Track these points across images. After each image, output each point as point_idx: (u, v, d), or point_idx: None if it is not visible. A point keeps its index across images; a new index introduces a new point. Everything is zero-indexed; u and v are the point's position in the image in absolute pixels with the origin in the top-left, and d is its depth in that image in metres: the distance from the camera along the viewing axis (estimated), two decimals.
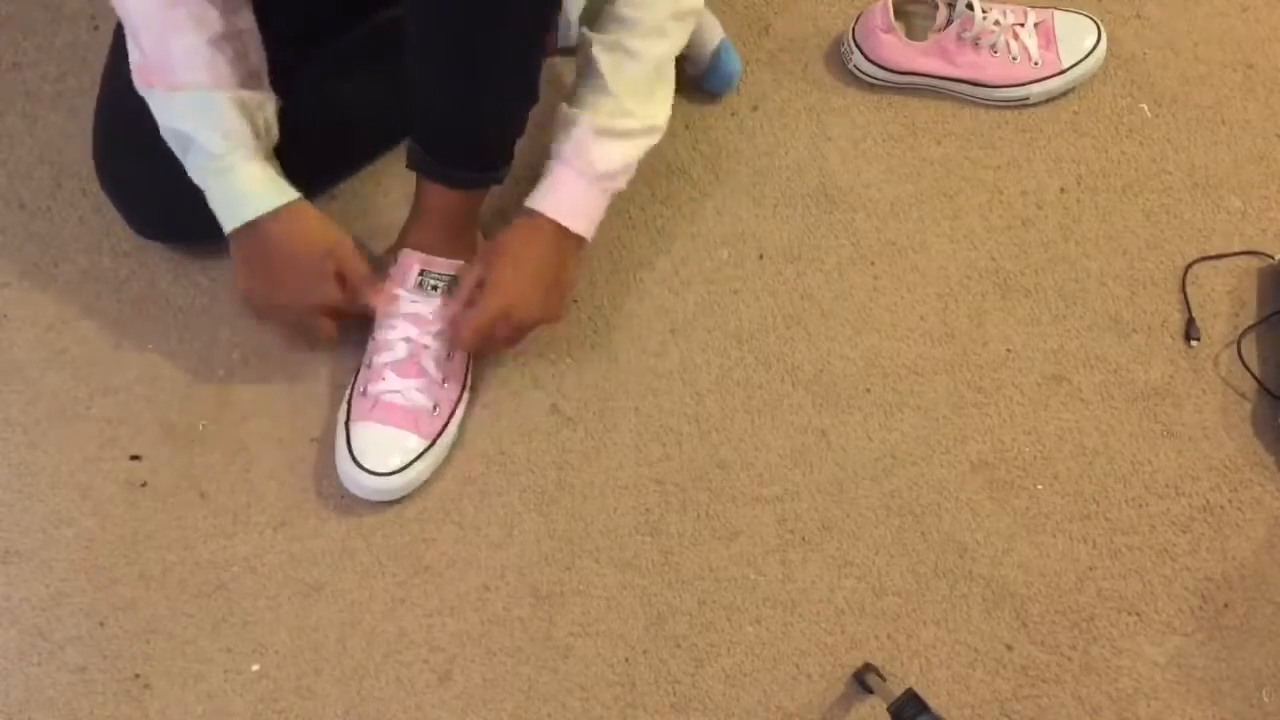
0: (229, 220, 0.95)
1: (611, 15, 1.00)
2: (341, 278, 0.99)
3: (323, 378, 1.09)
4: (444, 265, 1.03)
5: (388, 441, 1.02)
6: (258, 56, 0.98)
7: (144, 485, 1.05)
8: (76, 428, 1.06)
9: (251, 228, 0.95)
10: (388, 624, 1.01)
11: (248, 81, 0.96)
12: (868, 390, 1.12)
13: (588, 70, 1.00)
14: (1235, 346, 1.16)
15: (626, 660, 1.01)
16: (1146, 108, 1.28)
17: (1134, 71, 1.29)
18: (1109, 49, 1.27)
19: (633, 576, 1.04)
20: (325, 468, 1.05)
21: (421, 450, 1.03)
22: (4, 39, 1.22)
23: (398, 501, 1.05)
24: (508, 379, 1.11)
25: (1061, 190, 1.23)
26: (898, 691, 0.91)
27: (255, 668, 0.99)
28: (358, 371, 1.06)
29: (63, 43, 1.21)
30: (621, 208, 1.18)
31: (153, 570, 1.02)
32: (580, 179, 1.00)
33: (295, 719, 0.98)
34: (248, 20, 0.96)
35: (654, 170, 1.21)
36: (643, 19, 0.99)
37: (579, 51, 1.02)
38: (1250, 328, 1.17)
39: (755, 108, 1.25)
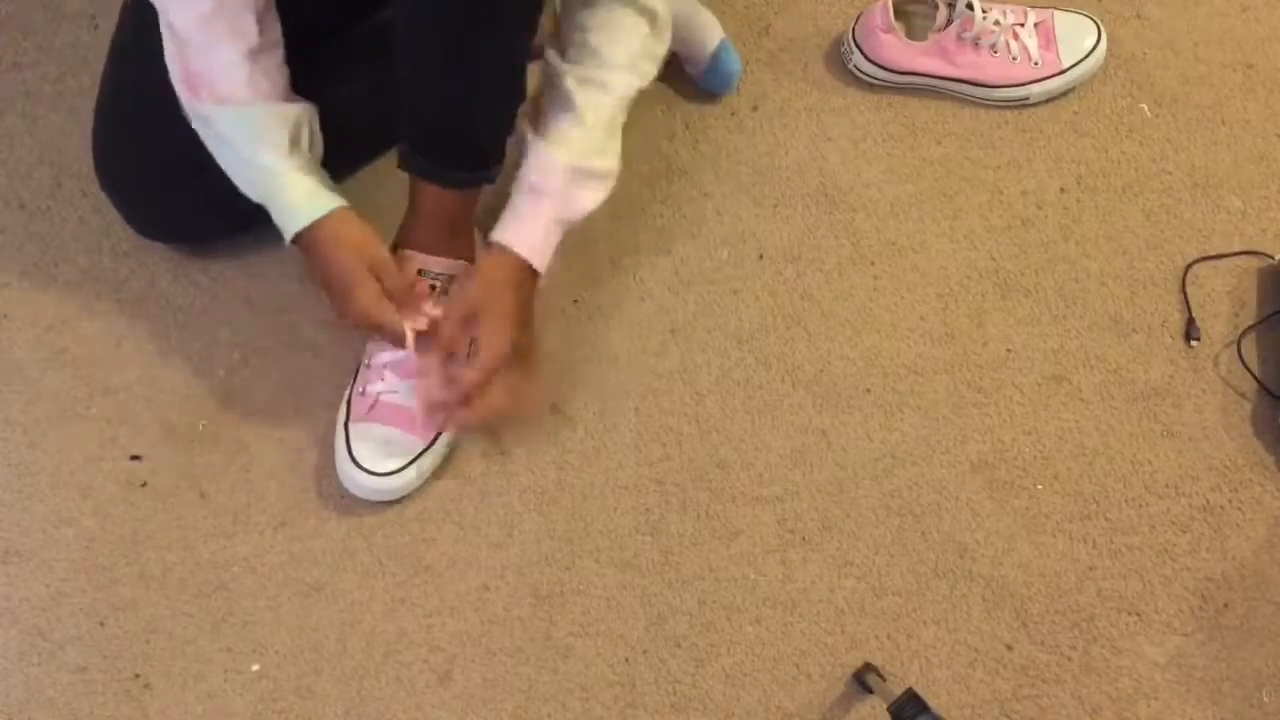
0: (285, 233, 0.95)
1: (582, 44, 0.98)
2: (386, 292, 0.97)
3: (323, 378, 1.09)
4: (441, 264, 1.03)
5: (387, 442, 1.02)
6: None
7: (144, 485, 1.05)
8: (76, 428, 1.06)
9: (301, 239, 0.95)
10: (388, 624, 1.01)
11: (286, 93, 0.96)
12: (868, 390, 1.12)
13: (560, 102, 0.98)
14: (1235, 346, 1.16)
15: (626, 660, 1.01)
16: (1146, 108, 1.28)
17: (1134, 71, 1.29)
18: (1109, 49, 1.27)
19: (633, 576, 1.04)
20: (325, 468, 1.05)
21: (421, 450, 1.03)
22: (4, 39, 1.22)
23: (398, 501, 1.05)
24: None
25: (1061, 190, 1.23)
26: (898, 691, 0.91)
27: (255, 668, 0.99)
28: (357, 371, 1.06)
29: (63, 43, 1.21)
30: (621, 208, 1.18)
31: (153, 570, 1.02)
32: (556, 223, 0.99)
33: (295, 719, 0.98)
34: (279, 30, 0.96)
35: (654, 170, 1.21)
36: (615, 53, 0.98)
37: (547, 79, 1.01)
38: (1250, 328, 1.17)
39: (755, 108, 1.25)
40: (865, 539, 1.07)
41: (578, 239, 1.16)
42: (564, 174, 0.97)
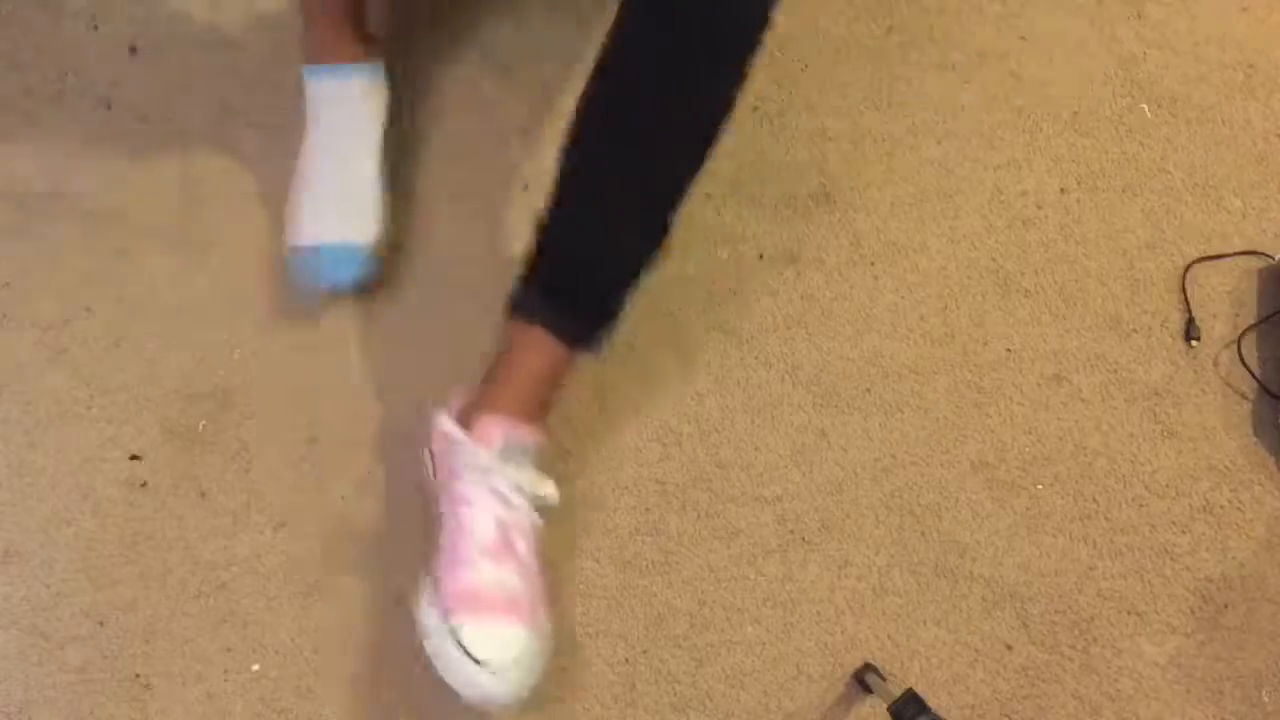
0: None
1: None
2: None
3: (322, 378, 1.09)
4: (530, 434, 0.93)
5: (507, 637, 0.88)
6: None
7: (144, 485, 1.05)
8: (76, 428, 1.06)
9: None
10: (388, 624, 1.01)
11: None
12: (868, 390, 1.12)
13: None
14: (1235, 346, 1.16)
15: (626, 660, 1.01)
16: (1146, 108, 1.28)
17: (1134, 71, 1.29)
18: (1109, 49, 1.27)
19: (633, 576, 1.04)
20: (326, 467, 1.05)
21: (532, 633, 0.90)
22: (4, 39, 1.22)
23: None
24: None
25: (1061, 190, 1.23)
26: (898, 691, 0.91)
27: (255, 668, 0.99)
28: (437, 556, 0.92)
29: (63, 43, 1.21)
30: None
31: (153, 570, 1.02)
32: None
33: (295, 719, 0.98)
34: None
35: None
36: None
37: None
38: (1250, 328, 1.17)
39: (755, 108, 1.25)
40: (865, 539, 1.07)
41: None
42: None
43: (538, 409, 0.94)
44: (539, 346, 0.93)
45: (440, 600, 0.89)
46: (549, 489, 0.93)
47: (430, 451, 0.97)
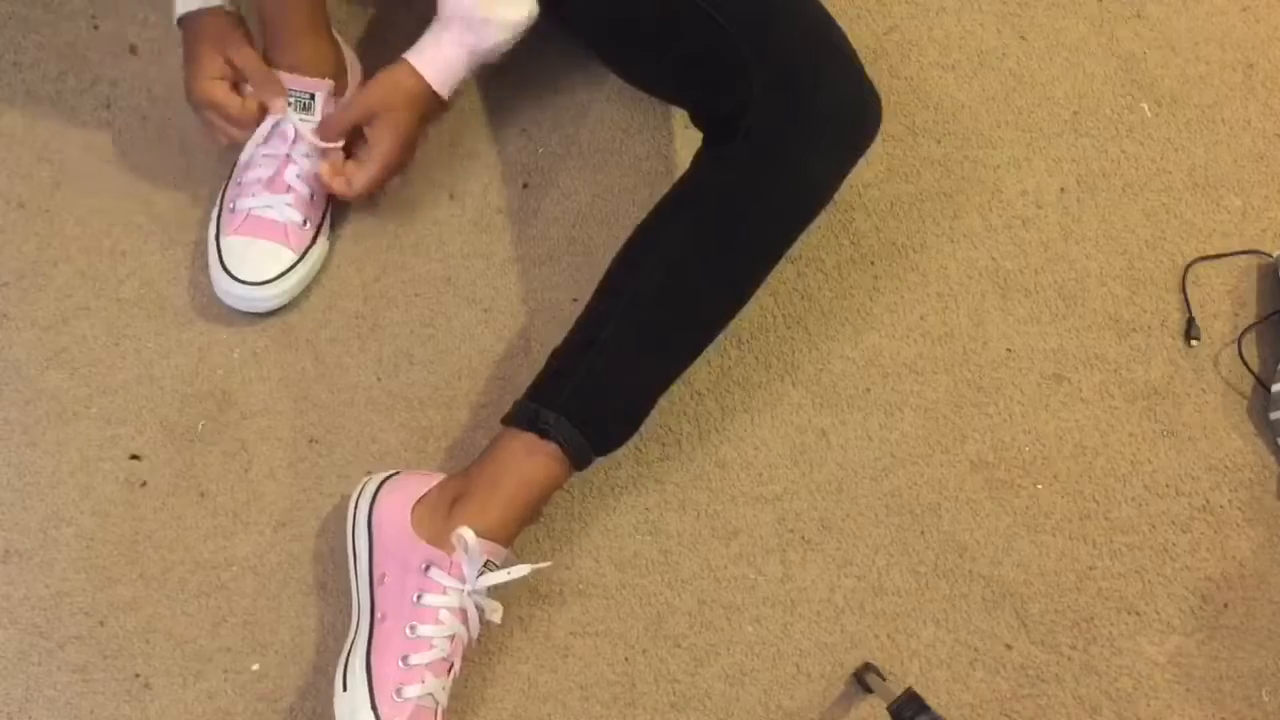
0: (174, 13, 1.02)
1: None
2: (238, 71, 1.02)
3: (323, 377, 1.09)
4: (503, 555, 0.93)
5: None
6: None
7: (144, 485, 1.05)
8: (76, 427, 1.06)
9: (183, 24, 1.02)
10: None
11: None
12: (868, 390, 1.12)
13: None
14: (1235, 346, 1.16)
15: (626, 660, 1.01)
16: (1146, 108, 1.28)
17: (1134, 71, 1.29)
18: (1109, 49, 1.27)
19: (632, 576, 1.04)
20: (325, 467, 1.05)
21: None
22: (4, 39, 1.22)
23: None
24: (506, 378, 1.11)
25: (1061, 190, 1.23)
26: (898, 691, 0.91)
27: (255, 668, 0.99)
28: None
29: (63, 42, 1.21)
30: (622, 209, 1.18)
31: (153, 570, 1.02)
32: (465, 53, 1.01)
33: (295, 719, 0.98)
34: None
35: (654, 171, 1.21)
36: None
37: None
38: (1250, 327, 1.17)
39: None
40: (865, 539, 1.07)
41: (578, 240, 1.16)
42: (475, 9, 0.99)
43: (520, 530, 0.95)
44: (548, 465, 0.93)
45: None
46: (497, 614, 0.93)
47: (372, 523, 0.97)
